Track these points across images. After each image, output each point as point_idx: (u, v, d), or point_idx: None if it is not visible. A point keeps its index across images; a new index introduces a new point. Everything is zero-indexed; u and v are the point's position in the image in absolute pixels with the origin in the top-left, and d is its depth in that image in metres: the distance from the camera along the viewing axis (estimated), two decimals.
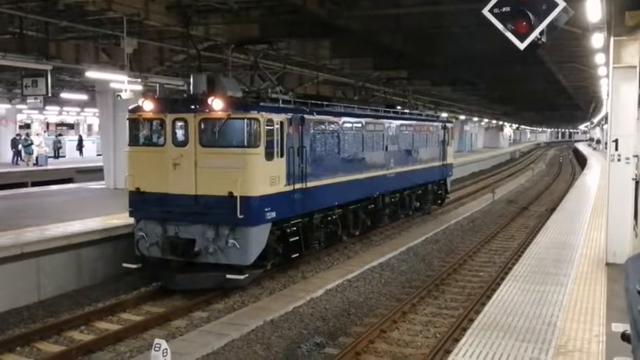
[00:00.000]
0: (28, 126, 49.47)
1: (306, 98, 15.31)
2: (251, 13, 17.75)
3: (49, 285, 12.80)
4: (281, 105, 13.54)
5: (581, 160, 59.37)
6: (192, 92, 13.34)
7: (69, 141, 48.67)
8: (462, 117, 60.99)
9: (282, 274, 14.19)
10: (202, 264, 12.53)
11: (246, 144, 12.33)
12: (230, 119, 12.28)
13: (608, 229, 11.74)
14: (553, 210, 22.36)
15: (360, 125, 17.42)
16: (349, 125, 16.77)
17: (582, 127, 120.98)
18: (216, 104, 12.12)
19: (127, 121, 13.61)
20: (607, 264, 11.51)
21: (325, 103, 16.06)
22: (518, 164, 63.60)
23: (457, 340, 8.76)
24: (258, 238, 12.46)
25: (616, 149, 11.33)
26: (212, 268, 12.43)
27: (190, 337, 10.18)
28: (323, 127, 15.21)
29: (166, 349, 7.94)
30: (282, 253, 13.82)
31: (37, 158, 37.66)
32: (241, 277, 12.17)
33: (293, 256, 14.05)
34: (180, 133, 12.79)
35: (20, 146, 38.41)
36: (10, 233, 13.50)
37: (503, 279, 12.00)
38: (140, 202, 13.08)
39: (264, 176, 12.51)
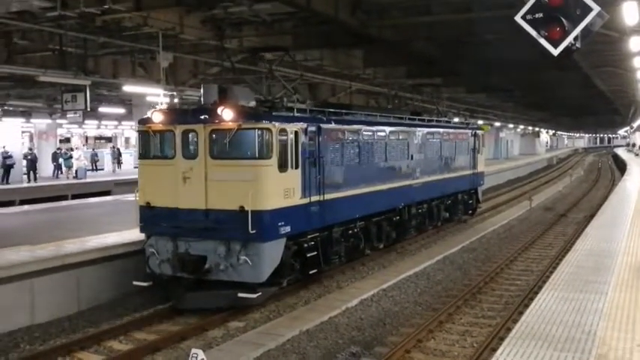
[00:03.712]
0: (67, 140, 50.68)
1: (325, 107, 14.78)
2: (284, 24, 17.92)
3: (88, 295, 13.00)
4: (296, 114, 12.99)
5: (621, 166, 58.15)
6: (202, 102, 12.96)
7: (106, 154, 49.64)
8: (497, 124, 60.37)
9: (317, 284, 14.18)
10: (214, 282, 12.00)
11: (257, 155, 11.77)
12: (241, 130, 11.73)
13: None
14: (592, 217, 21.92)
15: (382, 134, 16.71)
16: (370, 134, 16.07)
17: (622, 131, 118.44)
18: (227, 114, 11.63)
19: (137, 134, 13.32)
20: None
21: (344, 111, 15.52)
22: (556, 171, 62.61)
23: (494, 350, 8.63)
24: (271, 254, 11.85)
25: None
26: (224, 285, 11.91)
27: (227, 347, 10.23)
28: (342, 136, 14.56)
29: (203, 359, 8.00)
30: (300, 269, 13.21)
31: (76, 171, 38.46)
32: (254, 295, 11.56)
33: (311, 272, 13.40)
34: (190, 145, 12.29)
35: (60, 160, 39.28)
36: (52, 245, 13.77)
37: (541, 287, 11.79)
38: (150, 218, 12.63)
39: (277, 189, 11.95)
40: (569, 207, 30.18)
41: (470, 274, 15.85)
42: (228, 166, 11.89)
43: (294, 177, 12.43)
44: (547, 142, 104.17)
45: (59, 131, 44.01)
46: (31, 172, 35.82)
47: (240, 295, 11.52)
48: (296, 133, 12.51)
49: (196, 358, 7.97)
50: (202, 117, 12.14)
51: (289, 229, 12.23)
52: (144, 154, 13.14)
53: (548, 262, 16.93)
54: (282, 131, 12.08)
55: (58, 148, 41.56)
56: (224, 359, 9.54)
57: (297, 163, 12.51)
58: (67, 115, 25.55)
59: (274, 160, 11.82)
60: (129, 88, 19.97)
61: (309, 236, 13.26)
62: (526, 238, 20.94)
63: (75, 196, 30.01)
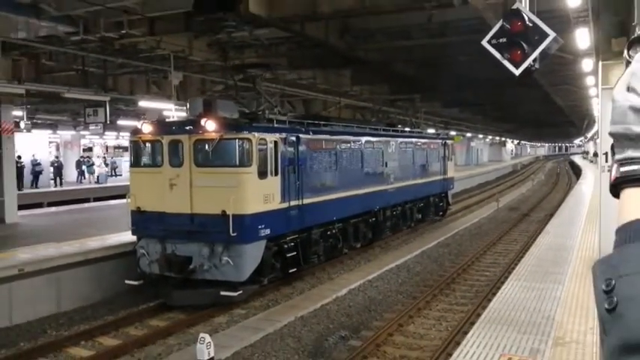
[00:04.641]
0: (90, 149, 50.48)
1: (305, 118, 14.41)
2: (280, 47, 17.93)
3: (108, 286, 12.96)
4: (275, 125, 12.69)
5: (577, 171, 58.41)
6: (189, 115, 12.68)
7: (125, 162, 49.47)
8: (469, 134, 60.55)
9: (310, 276, 14.19)
10: (200, 280, 11.67)
11: (238, 163, 11.48)
12: (222, 139, 11.42)
13: (601, 232, 11.56)
14: (552, 216, 22.03)
15: (358, 143, 16.39)
16: (347, 143, 15.73)
17: (577, 141, 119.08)
18: (209, 125, 11.34)
19: (129, 143, 13.05)
20: None
21: (322, 122, 15.16)
22: (520, 175, 62.80)
23: (466, 333, 8.68)
24: (252, 254, 11.52)
25: (607, 161, 11.17)
26: (208, 284, 11.57)
27: (231, 332, 10.24)
28: (320, 145, 14.22)
29: (210, 342, 8.01)
30: (281, 268, 12.86)
31: (97, 177, 38.29)
32: (235, 294, 11.18)
33: (291, 270, 13.01)
34: (176, 154, 11.94)
35: (83, 167, 39.14)
36: (77, 242, 13.74)
37: (507, 278, 11.86)
38: (141, 221, 12.29)
39: (257, 194, 11.59)
40: (531, 207, 30.30)
41: (445, 267, 15.89)
42: (211, 173, 11.57)
43: (273, 183, 12.10)
44: (512, 151, 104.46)
45: (82, 141, 43.79)
46: (58, 178, 35.69)
47: (223, 293, 11.19)
48: (275, 142, 12.18)
49: (204, 341, 7.98)
50: (187, 128, 11.87)
51: (269, 232, 11.88)
52: (135, 162, 12.88)
53: (513, 256, 16.99)
54: (262, 141, 11.76)
55: (82, 156, 41.40)
56: (229, 342, 9.54)
57: (276, 170, 12.18)
58: (89, 127, 25.48)
59: (254, 168, 11.51)
60: (144, 104, 19.93)
61: (288, 237, 12.91)
62: (494, 235, 21.00)
63: (96, 199, 29.89)
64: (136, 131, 12.69)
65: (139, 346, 9.85)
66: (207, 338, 8.01)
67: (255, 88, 14.39)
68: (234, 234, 11.04)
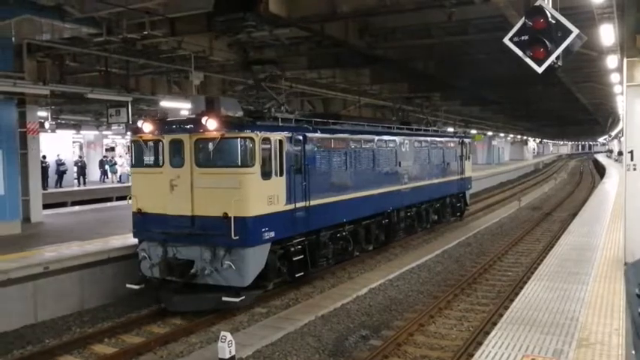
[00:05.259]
0: (112, 149, 51.22)
1: (313, 117, 13.96)
2: (300, 47, 17.98)
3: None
4: (280, 124, 12.07)
5: (601, 170, 57.55)
6: (191, 113, 12.23)
7: None
8: (490, 133, 60.05)
9: (330, 276, 14.18)
10: (202, 285, 11.12)
11: (240, 163, 10.86)
12: (224, 139, 10.83)
13: (626, 231, 11.37)
14: (575, 215, 21.72)
15: (369, 142, 15.57)
16: (357, 142, 14.93)
17: (601, 139, 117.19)
18: (210, 124, 10.75)
19: (130, 143, 12.58)
20: (626, 263, 11.13)
21: (331, 121, 14.56)
22: (542, 174, 62.11)
23: (488, 333, 8.59)
24: (255, 258, 10.94)
25: (631, 159, 10.99)
26: (211, 289, 11.03)
27: (252, 331, 10.27)
28: (328, 144, 13.55)
29: (231, 340, 8.07)
30: (288, 272, 12.29)
31: (120, 176, 38.74)
32: (237, 299, 10.62)
33: (297, 275, 12.39)
34: (177, 154, 11.35)
35: (106, 166, 39.64)
36: (99, 241, 13.92)
37: (529, 278, 11.72)
38: (142, 223, 11.77)
39: (260, 196, 10.99)
40: (554, 206, 29.94)
41: (466, 266, 15.77)
42: (212, 174, 11.02)
43: (278, 184, 11.51)
44: (534, 149, 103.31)
45: (105, 141, 44.34)
46: (81, 177, 36.24)
47: (225, 298, 10.68)
48: (280, 141, 11.61)
49: (225, 339, 8.04)
50: (188, 127, 11.30)
51: (274, 234, 11.32)
52: (136, 162, 12.27)
53: (535, 256, 16.81)
54: (266, 140, 11.19)
55: (104, 156, 41.93)
56: (249, 341, 9.58)
57: (281, 170, 11.60)
58: (112, 128, 25.83)
59: (257, 168, 10.94)
60: (165, 104, 20.10)
61: (295, 240, 12.33)
62: (516, 234, 20.79)
63: (119, 198, 30.20)
64: (136, 130, 12.10)
65: (161, 344, 9.93)
66: (229, 336, 8.07)
67: (259, 85, 13.99)
68: (237, 237, 10.53)
